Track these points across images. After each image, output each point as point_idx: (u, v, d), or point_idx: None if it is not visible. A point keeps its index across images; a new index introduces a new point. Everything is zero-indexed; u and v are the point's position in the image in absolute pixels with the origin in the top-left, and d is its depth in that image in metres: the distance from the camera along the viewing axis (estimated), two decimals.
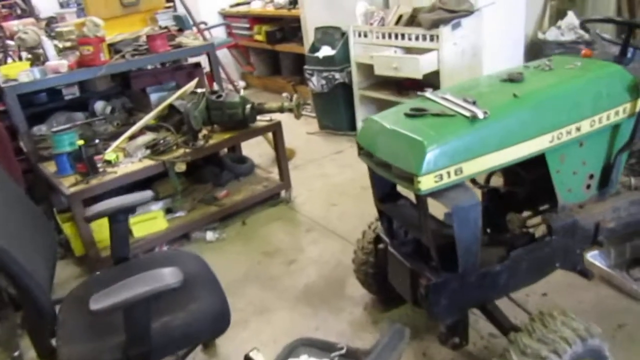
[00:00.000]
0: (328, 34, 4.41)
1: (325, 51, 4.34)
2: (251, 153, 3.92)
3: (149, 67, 3.91)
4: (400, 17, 3.84)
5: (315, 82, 4.36)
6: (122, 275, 1.91)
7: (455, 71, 3.66)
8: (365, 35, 4.05)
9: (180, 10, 4.87)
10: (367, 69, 4.24)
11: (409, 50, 3.84)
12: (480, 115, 1.54)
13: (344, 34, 4.31)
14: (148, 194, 2.04)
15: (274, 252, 2.95)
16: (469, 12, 3.49)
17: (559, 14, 5.05)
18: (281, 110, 3.18)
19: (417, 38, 3.68)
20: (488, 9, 3.68)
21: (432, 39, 3.59)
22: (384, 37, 3.91)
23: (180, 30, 3.75)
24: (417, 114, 1.67)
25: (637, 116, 1.81)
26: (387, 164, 1.66)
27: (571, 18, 4.36)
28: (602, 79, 1.75)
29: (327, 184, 3.71)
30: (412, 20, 3.84)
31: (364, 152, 1.80)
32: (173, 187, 2.92)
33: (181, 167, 2.82)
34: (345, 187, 3.63)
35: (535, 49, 4.49)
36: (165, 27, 3.64)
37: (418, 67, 3.51)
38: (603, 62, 1.82)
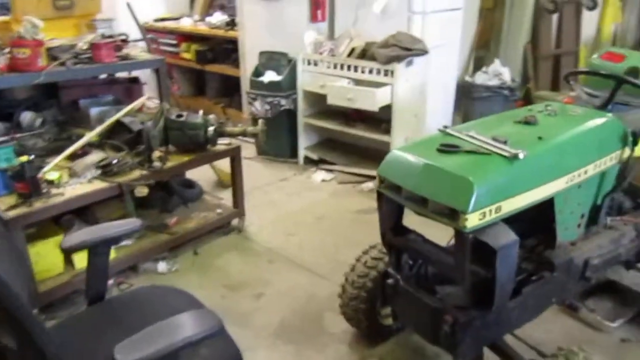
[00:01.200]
0: (274, 59, 4.34)
1: (271, 76, 4.26)
2: (190, 176, 3.67)
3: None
4: (352, 49, 3.90)
5: (259, 107, 4.24)
6: (112, 319, 1.66)
7: (405, 106, 3.79)
8: (315, 64, 4.05)
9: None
10: (313, 97, 4.23)
11: (359, 83, 3.90)
12: (522, 155, 1.58)
13: (290, 61, 4.27)
14: (137, 222, 1.80)
15: (238, 286, 2.76)
16: (424, 52, 3.65)
17: (477, 61, 5.53)
18: (244, 134, 3.05)
19: (370, 71, 3.75)
20: (435, 50, 3.88)
21: (386, 74, 3.68)
22: (335, 67, 3.93)
23: (125, 40, 3.44)
24: (450, 150, 1.67)
25: (623, 163, 1.99)
26: (422, 198, 1.63)
27: (497, 65, 4.76)
28: (604, 127, 1.90)
29: (279, 212, 3.59)
30: (364, 53, 3.93)
31: (388, 185, 1.76)
32: (128, 213, 2.62)
33: (143, 191, 2.55)
34: (299, 216, 3.54)
35: (465, 90, 4.83)
36: (111, 36, 3.33)
37: (374, 100, 3.57)
38: (599, 112, 1.98)
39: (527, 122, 1.84)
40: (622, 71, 2.71)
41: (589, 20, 6.90)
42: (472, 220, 1.51)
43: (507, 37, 5.85)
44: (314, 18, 4.32)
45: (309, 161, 4.39)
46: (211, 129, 2.91)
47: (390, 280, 1.95)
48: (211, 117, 3.75)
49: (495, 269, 1.56)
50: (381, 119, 3.94)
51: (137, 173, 2.67)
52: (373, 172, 4.10)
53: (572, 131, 1.81)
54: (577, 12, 6.55)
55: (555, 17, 6.21)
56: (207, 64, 5.52)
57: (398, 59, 3.60)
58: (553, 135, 1.76)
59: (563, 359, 1.65)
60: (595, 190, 2.01)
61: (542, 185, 1.68)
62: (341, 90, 3.74)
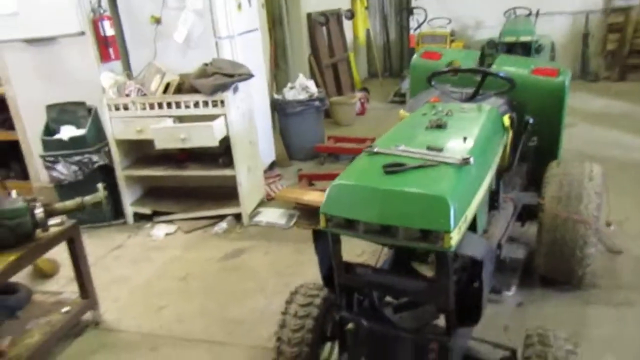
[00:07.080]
0: (68, 111, 3.64)
1: (70, 131, 3.56)
2: None
3: None
4: (167, 85, 3.50)
5: (65, 170, 3.51)
6: None
7: (241, 134, 3.57)
8: (126, 108, 3.52)
9: None
10: (129, 146, 3.70)
11: (182, 120, 3.53)
12: (472, 160, 1.54)
13: (90, 110, 3.64)
14: None
15: None
16: (249, 75, 3.47)
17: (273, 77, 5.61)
18: (81, 207, 2.43)
19: (196, 105, 3.42)
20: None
21: (215, 105, 3.40)
22: (152, 107, 3.48)
23: None
24: (398, 170, 1.54)
25: (509, 145, 2.15)
26: (384, 228, 1.47)
27: (302, 79, 4.85)
28: (492, 118, 2.01)
29: (133, 287, 3.00)
30: (179, 87, 3.56)
31: (338, 222, 1.55)
32: None
33: None
34: (159, 284, 3.02)
35: (278, 108, 4.82)
36: None
37: (213, 134, 3.25)
38: (484, 106, 2.08)
39: (438, 127, 1.83)
40: (443, 66, 2.96)
41: (347, 29, 7.65)
42: (455, 237, 1.41)
43: (292, 53, 6.05)
44: (104, 58, 3.74)
45: (140, 217, 3.81)
46: (39, 211, 2.25)
47: (350, 325, 1.74)
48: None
49: (481, 280, 1.50)
50: (214, 154, 3.64)
51: None
52: (221, 211, 3.79)
53: (480, 128, 1.86)
54: (339, 23, 7.17)
55: (324, 29, 6.68)
56: None
57: (224, 87, 3.35)
58: (471, 134, 1.77)
59: (539, 345, 1.65)
60: (494, 176, 2.12)
61: (483, 183, 1.69)
62: (171, 132, 3.32)
